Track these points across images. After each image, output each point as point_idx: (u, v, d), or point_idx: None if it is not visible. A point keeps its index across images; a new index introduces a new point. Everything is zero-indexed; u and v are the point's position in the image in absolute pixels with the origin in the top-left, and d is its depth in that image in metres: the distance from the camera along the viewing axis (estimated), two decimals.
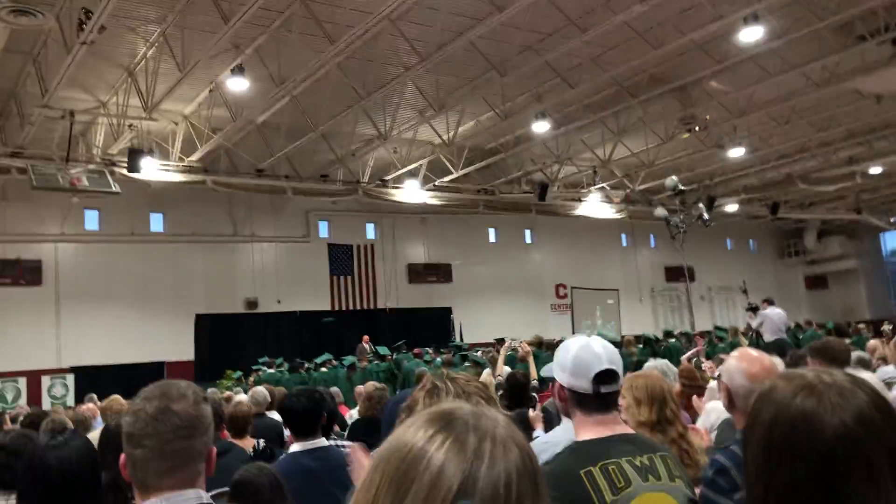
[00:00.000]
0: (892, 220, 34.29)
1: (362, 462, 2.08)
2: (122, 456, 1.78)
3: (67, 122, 15.74)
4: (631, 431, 2.34)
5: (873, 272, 37.49)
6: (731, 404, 2.66)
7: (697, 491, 2.41)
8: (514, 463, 0.86)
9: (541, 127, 17.66)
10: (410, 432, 0.89)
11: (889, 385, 5.25)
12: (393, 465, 0.87)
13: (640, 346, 16.00)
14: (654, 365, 4.76)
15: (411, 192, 21.57)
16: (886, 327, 20.30)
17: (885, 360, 7.29)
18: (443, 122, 18.14)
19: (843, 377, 1.20)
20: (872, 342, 9.82)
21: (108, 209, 20.41)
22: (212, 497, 1.79)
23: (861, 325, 20.08)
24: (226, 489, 3.91)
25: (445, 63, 14.61)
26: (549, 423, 5.69)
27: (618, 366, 2.29)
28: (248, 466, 3.23)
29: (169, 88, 14.14)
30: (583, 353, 2.27)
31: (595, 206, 25.32)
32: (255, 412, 6.15)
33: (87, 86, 15.17)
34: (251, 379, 16.47)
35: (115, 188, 17.02)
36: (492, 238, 27.98)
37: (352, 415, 8.23)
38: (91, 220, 20.77)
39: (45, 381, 19.29)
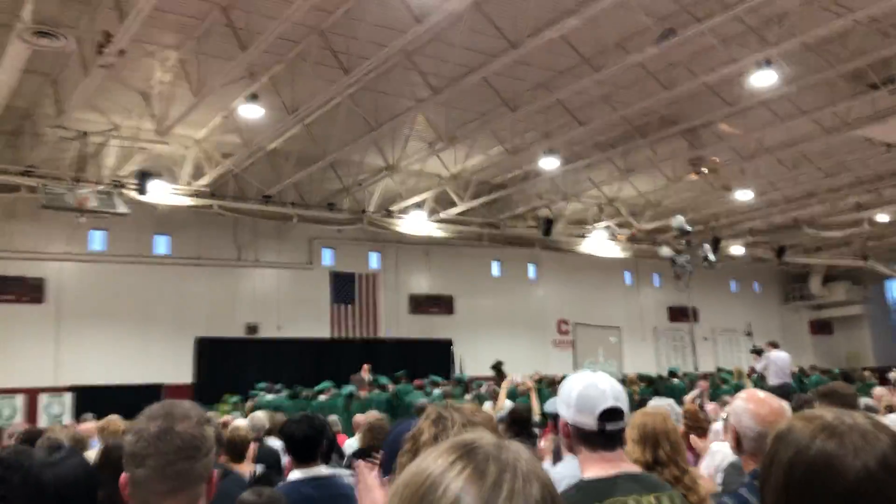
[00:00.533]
0: None
1: (367, 481, 2.06)
2: (123, 475, 1.76)
3: (80, 143, 15.88)
4: (637, 470, 2.31)
5: (879, 319, 37.30)
6: (738, 446, 2.62)
7: None
8: (534, 497, 0.82)
9: (549, 163, 17.74)
10: (430, 459, 0.86)
11: None
12: (410, 490, 0.84)
13: (643, 384, 15.90)
14: (659, 403, 4.70)
15: (416, 224, 21.63)
16: (893, 374, 20.17)
17: (891, 409, 7.20)
18: (451, 154, 18.24)
19: (864, 420, 1.19)
20: (878, 389, 9.73)
21: (114, 230, 20.48)
22: None
23: (867, 373, 19.95)
24: None
25: (457, 97, 14.73)
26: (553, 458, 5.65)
27: (623, 403, 2.26)
28: (256, 489, 3.17)
29: (182, 113, 14.27)
30: (588, 389, 2.25)
31: (600, 243, 25.32)
32: (254, 437, 6.11)
33: (101, 108, 15.31)
34: (248, 404, 16.37)
35: (123, 209, 17.11)
36: (495, 272, 27.95)
37: (350, 444, 8.16)
38: (96, 240, 20.83)
39: (43, 399, 19.19)
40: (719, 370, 19.35)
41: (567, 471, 2.82)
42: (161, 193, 17.25)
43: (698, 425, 6.45)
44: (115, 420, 7.54)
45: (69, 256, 20.12)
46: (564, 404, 2.30)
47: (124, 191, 17.22)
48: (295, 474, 3.66)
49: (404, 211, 21.36)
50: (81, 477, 2.28)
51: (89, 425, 8.93)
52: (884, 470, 1.11)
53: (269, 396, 15.77)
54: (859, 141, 18.21)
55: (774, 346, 13.70)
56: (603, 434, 2.22)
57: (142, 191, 16.30)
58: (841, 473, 1.12)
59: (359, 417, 8.36)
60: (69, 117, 14.21)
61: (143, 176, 16.18)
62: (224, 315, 22.18)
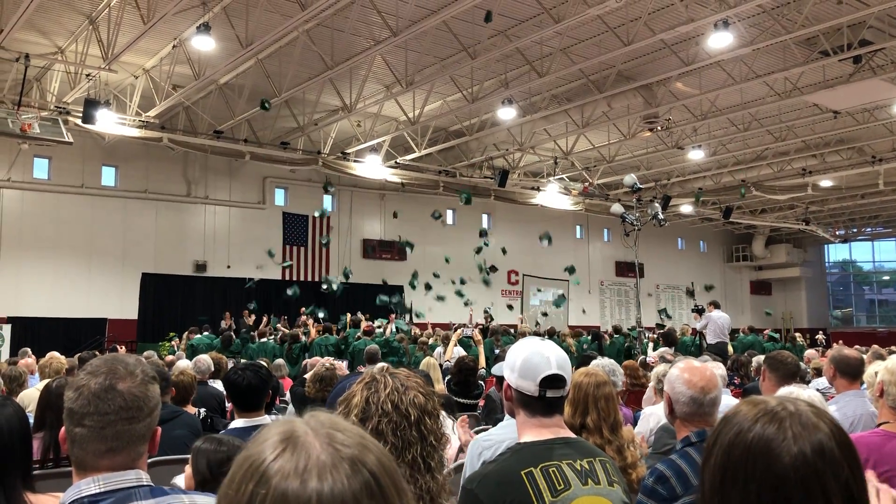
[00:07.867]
0: (837, 233, 35.29)
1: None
2: (62, 430, 1.72)
3: (22, 66, 15.23)
4: (572, 435, 2.37)
5: (815, 282, 38.63)
6: (671, 413, 2.71)
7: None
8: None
9: (507, 113, 17.68)
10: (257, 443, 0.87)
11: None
12: (236, 471, 0.85)
13: (587, 336, 16.24)
14: (600, 364, 4.81)
15: (372, 168, 21.42)
16: (820, 337, 21.05)
17: (818, 372, 7.49)
18: (409, 99, 18.01)
19: (807, 407, 1.22)
20: (810, 352, 10.12)
21: (59, 158, 19.84)
22: (152, 463, 1.74)
23: (797, 335, 20.70)
24: (168, 457, 3.85)
25: (416, 40, 14.50)
26: (493, 411, 5.78)
27: (567, 372, 2.31)
28: (214, 437, 3.13)
29: (131, 40, 13.72)
30: (533, 356, 2.29)
31: (553, 196, 25.49)
32: (198, 380, 6.09)
33: (45, 30, 14.69)
34: (178, 341, 16.24)
35: (68, 138, 16.58)
36: (449, 220, 27.97)
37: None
38: (40, 168, 20.17)
39: None
40: (657, 325, 19.84)
41: (506, 433, 2.89)
42: (108, 123, 16.72)
43: (638, 382, 6.66)
44: (56, 357, 7.42)
45: (11, 184, 19.45)
46: (509, 368, 2.35)
47: (69, 118, 16.65)
48: (238, 422, 3.66)
49: (360, 154, 21.12)
50: (16, 427, 2.22)
51: (30, 361, 8.76)
52: (819, 458, 1.15)
53: (201, 336, 15.37)
54: (808, 107, 18.57)
55: (715, 305, 14.05)
56: (543, 400, 2.27)
57: (88, 119, 15.73)
58: (777, 458, 1.16)
59: (310, 361, 8.37)
60: (10, 38, 13.57)
61: (90, 104, 15.59)
62: (172, 251, 21.83)
